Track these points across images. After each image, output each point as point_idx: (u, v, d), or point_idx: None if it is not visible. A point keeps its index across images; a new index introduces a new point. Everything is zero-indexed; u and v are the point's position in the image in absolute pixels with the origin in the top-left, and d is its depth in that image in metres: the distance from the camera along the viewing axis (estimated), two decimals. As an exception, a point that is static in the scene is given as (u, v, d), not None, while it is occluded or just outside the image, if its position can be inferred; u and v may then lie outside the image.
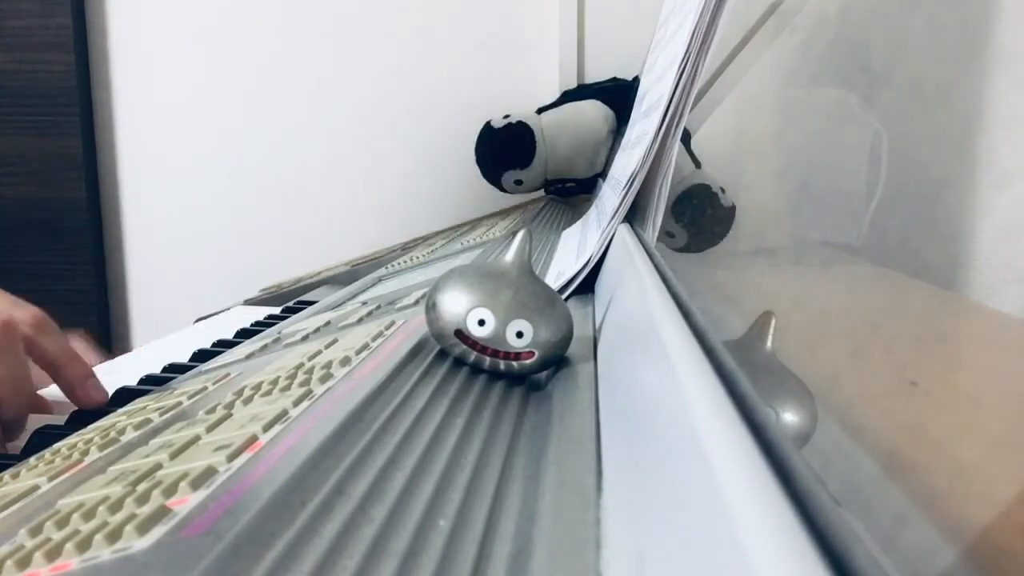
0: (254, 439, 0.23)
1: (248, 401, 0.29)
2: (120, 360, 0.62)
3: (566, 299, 0.44)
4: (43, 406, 0.47)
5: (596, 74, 1.15)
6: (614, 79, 1.08)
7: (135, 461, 0.25)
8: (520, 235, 0.31)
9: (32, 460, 0.32)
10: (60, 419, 0.44)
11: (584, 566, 0.16)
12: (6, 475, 0.30)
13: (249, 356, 0.44)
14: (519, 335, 0.29)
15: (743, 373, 0.16)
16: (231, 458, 0.21)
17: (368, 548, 0.16)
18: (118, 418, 0.36)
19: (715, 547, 0.10)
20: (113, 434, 0.31)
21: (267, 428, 0.24)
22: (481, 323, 0.29)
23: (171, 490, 0.20)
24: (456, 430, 0.23)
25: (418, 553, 0.16)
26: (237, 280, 1.21)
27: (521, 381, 0.30)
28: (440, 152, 1.23)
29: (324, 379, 0.29)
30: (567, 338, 0.30)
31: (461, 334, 0.29)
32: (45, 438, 0.38)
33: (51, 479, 0.26)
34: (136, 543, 0.17)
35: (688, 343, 0.18)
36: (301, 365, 0.33)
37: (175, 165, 1.28)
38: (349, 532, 0.17)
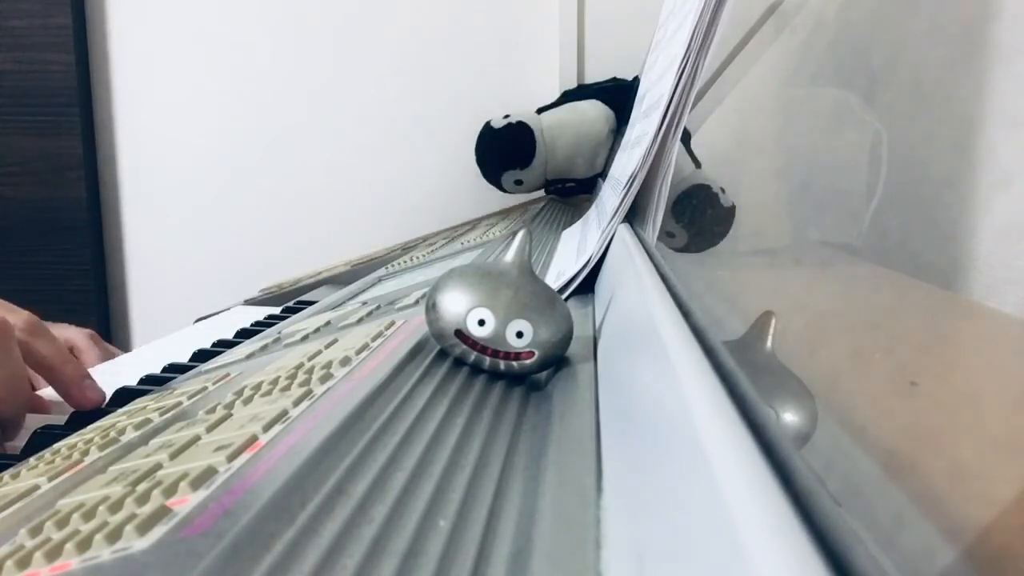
0: (254, 439, 0.23)
1: (248, 401, 0.29)
2: (120, 360, 0.62)
3: (566, 299, 0.44)
4: (41, 406, 0.47)
5: (596, 74, 1.15)
6: (614, 79, 1.08)
7: (135, 461, 0.25)
8: (520, 235, 0.31)
9: (32, 460, 0.32)
10: (60, 419, 0.44)
11: (584, 566, 0.16)
12: (6, 475, 0.30)
13: (249, 356, 0.44)
14: (519, 335, 0.29)
15: (743, 373, 0.16)
16: (231, 458, 0.21)
17: (368, 548, 0.16)
18: (118, 418, 0.36)
19: (715, 547, 0.10)
20: (113, 434, 0.31)
21: (267, 428, 0.24)
22: (481, 323, 0.29)
23: (171, 490, 0.20)
24: (456, 430, 0.23)
25: (418, 553, 0.16)
26: (237, 280, 1.21)
27: (521, 381, 0.30)
28: (440, 152, 1.23)
29: (324, 379, 0.29)
30: (567, 338, 0.30)
31: (461, 334, 0.29)
32: (45, 438, 0.38)
33: (51, 479, 0.26)
34: (136, 543, 0.17)
35: (688, 343, 0.18)
36: (301, 365, 0.33)
37: (175, 165, 1.28)
38: (349, 532, 0.17)
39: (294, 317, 0.64)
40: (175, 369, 0.52)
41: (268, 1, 1.24)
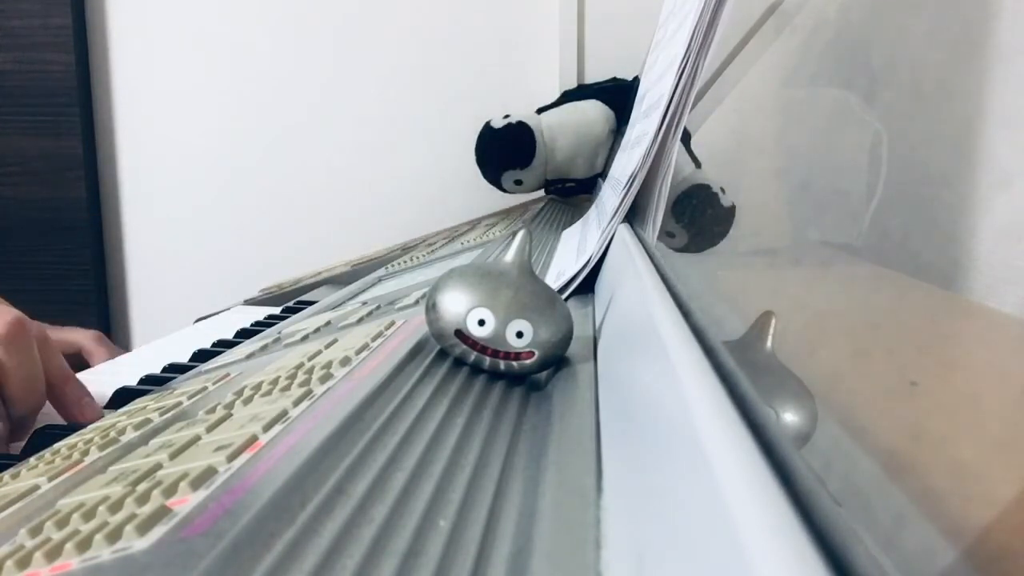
0: (254, 439, 0.23)
1: (248, 401, 0.29)
2: (120, 360, 0.62)
3: (566, 299, 0.44)
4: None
5: (596, 74, 1.15)
6: (614, 79, 1.08)
7: (135, 461, 0.25)
8: (520, 235, 0.31)
9: (32, 460, 0.32)
10: (60, 419, 0.44)
11: (584, 566, 0.16)
12: (6, 475, 0.30)
13: (249, 356, 0.44)
14: (519, 335, 0.29)
15: (743, 373, 0.16)
16: (231, 458, 0.21)
17: (368, 548, 0.16)
18: (118, 418, 0.36)
19: (715, 547, 0.10)
20: (113, 434, 0.31)
21: (267, 428, 0.24)
22: (481, 323, 0.29)
23: (171, 490, 0.20)
24: (456, 430, 0.23)
25: (418, 553, 0.16)
26: (237, 280, 1.21)
27: (521, 381, 0.30)
28: (440, 152, 1.23)
29: (324, 379, 0.29)
30: (567, 338, 0.30)
31: (461, 334, 0.29)
32: (45, 438, 0.38)
33: (51, 479, 0.26)
34: (136, 543, 0.17)
35: (688, 343, 0.18)
36: (301, 365, 0.33)
37: (175, 165, 1.28)
38: (349, 532, 0.17)
39: (294, 317, 0.64)
40: (175, 369, 0.52)
41: (268, 1, 1.24)
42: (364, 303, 0.55)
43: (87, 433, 0.34)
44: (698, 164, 0.60)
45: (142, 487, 0.21)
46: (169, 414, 0.32)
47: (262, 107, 1.26)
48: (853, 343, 0.31)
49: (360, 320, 0.45)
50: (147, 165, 1.29)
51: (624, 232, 0.44)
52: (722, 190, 0.55)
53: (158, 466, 0.23)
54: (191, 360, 0.55)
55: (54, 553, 0.18)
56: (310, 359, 0.34)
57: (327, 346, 0.37)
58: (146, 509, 0.19)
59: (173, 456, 0.24)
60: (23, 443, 0.40)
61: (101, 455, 0.28)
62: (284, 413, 0.25)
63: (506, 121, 1.00)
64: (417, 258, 0.79)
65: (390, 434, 0.22)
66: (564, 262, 0.53)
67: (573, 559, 0.16)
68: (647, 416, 0.18)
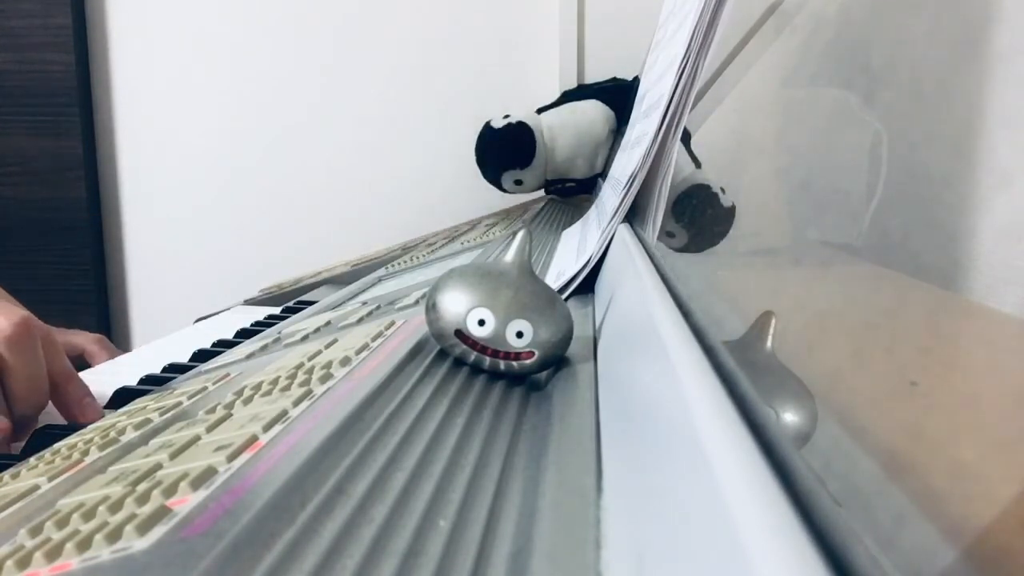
0: (254, 439, 0.23)
1: (248, 401, 0.29)
2: (120, 360, 0.62)
3: (566, 299, 0.44)
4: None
5: (596, 74, 1.15)
6: (614, 79, 1.08)
7: (135, 461, 0.25)
8: (520, 235, 0.31)
9: (32, 460, 0.32)
10: (61, 419, 0.44)
11: (584, 566, 0.16)
12: (6, 475, 0.30)
13: (249, 356, 0.44)
14: (519, 335, 0.29)
15: (743, 373, 0.16)
16: (231, 458, 0.21)
17: (368, 548, 0.16)
18: (118, 418, 0.36)
19: (715, 547, 0.10)
20: (113, 434, 0.31)
21: (267, 428, 0.24)
22: (481, 323, 0.29)
23: (171, 490, 0.20)
24: (456, 430, 0.23)
25: (418, 553, 0.16)
26: (237, 280, 1.21)
27: (521, 381, 0.30)
28: (440, 152, 1.23)
29: (324, 379, 0.29)
30: (567, 338, 0.30)
31: (461, 334, 0.29)
32: (45, 438, 0.38)
33: (51, 479, 0.26)
34: (136, 543, 0.17)
35: (688, 343, 0.18)
36: (301, 365, 0.33)
37: (175, 165, 1.28)
38: (349, 532, 0.17)
39: (294, 317, 0.64)
40: (175, 369, 0.52)
41: (268, 1, 1.24)
42: (364, 303, 0.55)
43: (87, 433, 0.34)
44: (698, 164, 0.60)
45: (142, 487, 0.21)
46: (169, 414, 0.32)
47: (262, 107, 1.26)
48: (853, 343, 0.31)
49: (360, 320, 0.45)
50: (147, 165, 1.29)
51: (624, 232, 0.44)
52: (722, 190, 0.55)
53: (158, 466, 0.23)
54: (191, 360, 0.55)
55: (54, 553, 0.18)
56: (310, 359, 0.34)
57: (327, 346, 0.37)
58: (146, 509, 0.19)
59: (173, 456, 0.24)
60: (23, 443, 0.40)
61: (101, 455, 0.28)
62: (284, 413, 0.25)
63: (506, 121, 1.00)
64: (417, 258, 0.79)
65: (390, 434, 0.22)
66: (564, 262, 0.53)
67: (573, 559, 0.16)
68: (647, 416, 0.18)
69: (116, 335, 1.32)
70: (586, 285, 0.45)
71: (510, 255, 0.31)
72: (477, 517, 0.18)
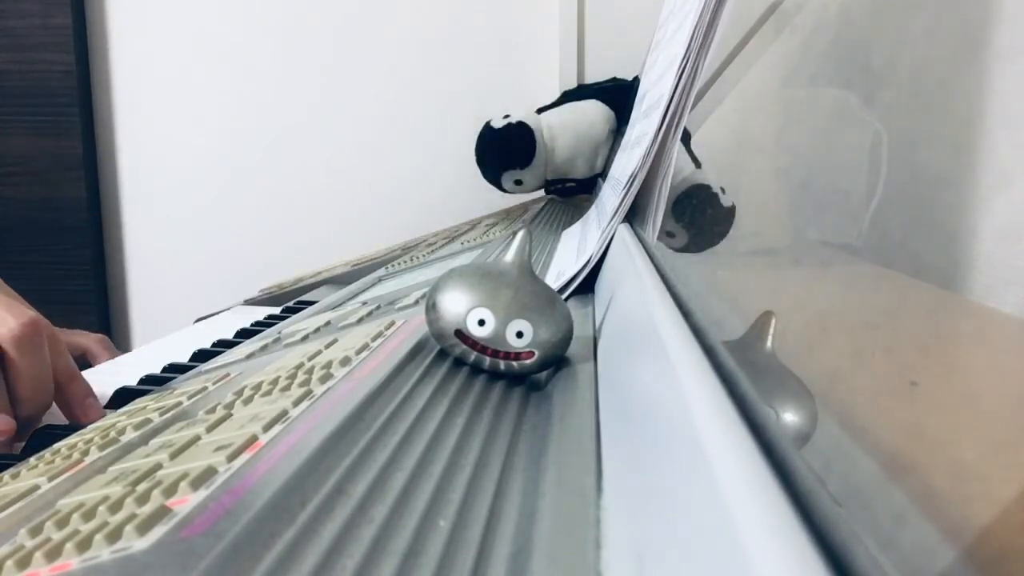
0: (254, 439, 0.23)
1: (248, 401, 0.29)
2: (120, 360, 0.62)
3: (566, 299, 0.44)
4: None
5: (596, 74, 1.15)
6: (614, 79, 1.08)
7: (135, 461, 0.25)
8: (520, 235, 0.31)
9: (32, 460, 0.32)
10: (60, 419, 0.44)
11: (584, 566, 0.16)
12: (6, 475, 0.30)
13: (249, 356, 0.44)
14: (519, 335, 0.29)
15: (743, 373, 0.16)
16: (231, 458, 0.21)
17: (368, 548, 0.16)
18: (118, 418, 0.36)
19: (715, 547, 0.10)
20: (113, 434, 0.31)
21: (267, 428, 0.24)
22: (481, 323, 0.29)
23: (171, 490, 0.20)
24: (456, 430, 0.23)
25: (418, 553, 0.16)
26: (237, 280, 1.21)
27: (521, 381, 0.30)
28: (440, 152, 1.23)
29: (324, 379, 0.29)
30: (567, 338, 0.30)
31: (461, 334, 0.29)
32: (45, 438, 0.38)
33: (51, 479, 0.26)
34: (136, 543, 0.17)
35: (688, 343, 0.18)
36: (301, 365, 0.33)
37: (175, 165, 1.28)
38: (349, 532, 0.17)
39: (294, 317, 0.64)
40: (175, 369, 0.52)
41: (268, 1, 1.24)
42: (364, 303, 0.55)
43: (87, 433, 0.34)
44: (698, 164, 0.60)
45: (142, 487, 0.21)
46: (169, 414, 0.32)
47: (262, 107, 1.26)
48: (853, 343, 0.31)
49: (360, 320, 0.45)
50: (147, 165, 1.29)
51: (624, 232, 0.44)
52: (722, 190, 0.55)
53: (158, 466, 0.23)
54: (191, 360, 0.55)
55: (54, 553, 0.18)
56: (310, 359, 0.34)
57: (327, 346, 0.37)
58: (146, 509, 0.19)
59: (173, 456, 0.24)
60: (23, 443, 0.40)
61: (101, 455, 0.28)
62: (284, 413, 0.25)
63: (506, 121, 1.00)
64: (417, 258, 0.79)
65: (390, 434, 0.22)
66: (564, 262, 0.53)
67: (573, 559, 0.16)
68: (647, 416, 0.18)
69: (116, 335, 1.32)
70: (586, 285, 0.45)
71: (510, 255, 0.31)
72: (477, 517, 0.18)
